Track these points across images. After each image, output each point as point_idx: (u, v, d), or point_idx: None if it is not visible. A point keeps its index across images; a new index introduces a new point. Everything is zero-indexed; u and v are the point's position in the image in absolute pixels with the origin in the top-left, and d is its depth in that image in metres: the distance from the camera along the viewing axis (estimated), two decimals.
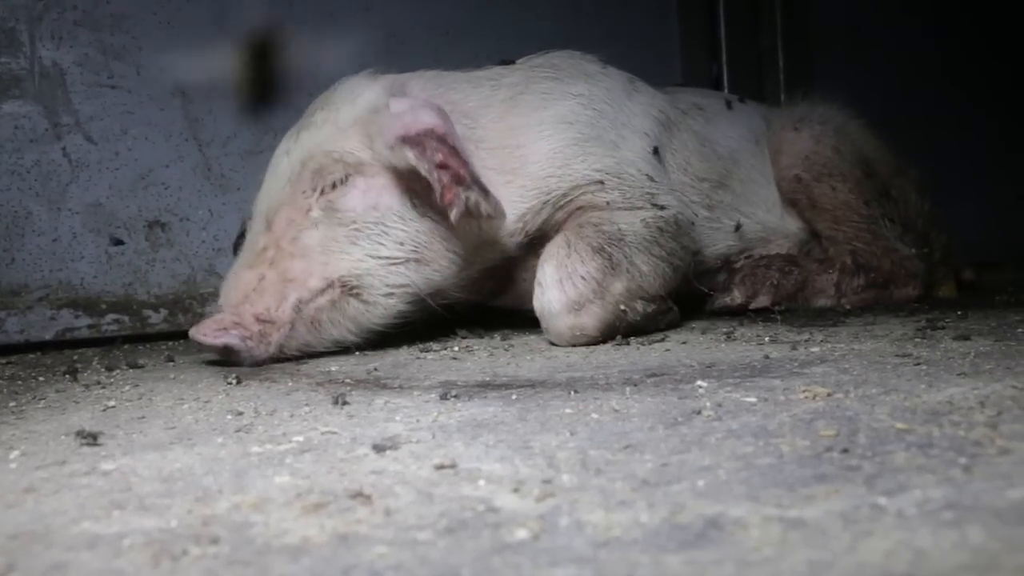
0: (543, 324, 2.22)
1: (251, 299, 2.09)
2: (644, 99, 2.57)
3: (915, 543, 0.79)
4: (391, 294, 2.16)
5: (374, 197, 2.15)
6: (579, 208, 2.31)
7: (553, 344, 2.22)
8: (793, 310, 2.79)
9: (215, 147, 3.03)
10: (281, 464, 1.19)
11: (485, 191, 2.07)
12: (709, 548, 0.82)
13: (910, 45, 4.31)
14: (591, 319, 2.17)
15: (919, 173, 3.12)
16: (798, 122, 3.02)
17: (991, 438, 1.11)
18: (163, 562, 0.85)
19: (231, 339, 2.04)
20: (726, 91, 3.82)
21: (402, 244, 2.14)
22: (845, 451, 1.09)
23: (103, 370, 2.20)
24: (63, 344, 2.78)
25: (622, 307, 2.20)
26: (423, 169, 2.03)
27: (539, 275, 2.22)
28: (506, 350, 2.19)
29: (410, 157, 2.04)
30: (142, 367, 2.23)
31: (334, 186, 2.15)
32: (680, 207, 2.45)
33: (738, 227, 2.78)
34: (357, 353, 2.32)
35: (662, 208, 2.37)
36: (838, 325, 2.36)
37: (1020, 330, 2.05)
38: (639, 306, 2.24)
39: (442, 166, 2.02)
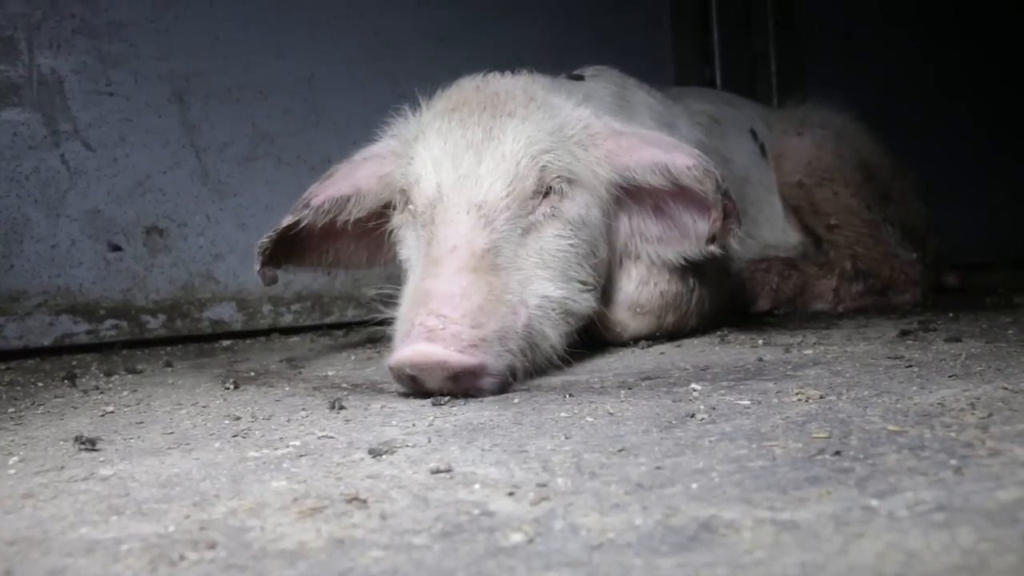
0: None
1: (486, 312, 1.70)
2: (686, 133, 2.59)
3: (906, 545, 0.80)
4: (578, 322, 1.97)
5: (586, 213, 2.00)
6: None
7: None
8: (788, 312, 2.80)
9: (212, 153, 3.04)
10: (278, 469, 1.19)
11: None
12: (702, 551, 0.82)
13: (901, 50, 4.33)
14: (636, 326, 2.21)
15: (915, 176, 3.14)
16: (800, 126, 3.03)
17: (982, 440, 1.12)
18: (160, 567, 0.86)
19: (487, 358, 1.66)
20: None
21: (594, 270, 2.01)
22: (837, 453, 1.10)
23: (102, 375, 2.21)
24: (62, 350, 2.79)
25: (663, 327, 2.26)
26: (716, 197, 1.96)
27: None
28: None
29: (711, 176, 1.96)
30: (140, 372, 2.24)
31: (559, 192, 1.95)
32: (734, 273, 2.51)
33: (745, 254, 2.84)
34: (353, 358, 2.33)
35: (729, 276, 2.43)
36: (831, 327, 2.37)
37: (1010, 332, 2.06)
38: (674, 327, 2.30)
39: (725, 195, 1.97)
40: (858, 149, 3.02)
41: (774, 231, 2.93)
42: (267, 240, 2.16)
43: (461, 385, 1.65)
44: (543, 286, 1.86)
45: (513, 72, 2.18)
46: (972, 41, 4.53)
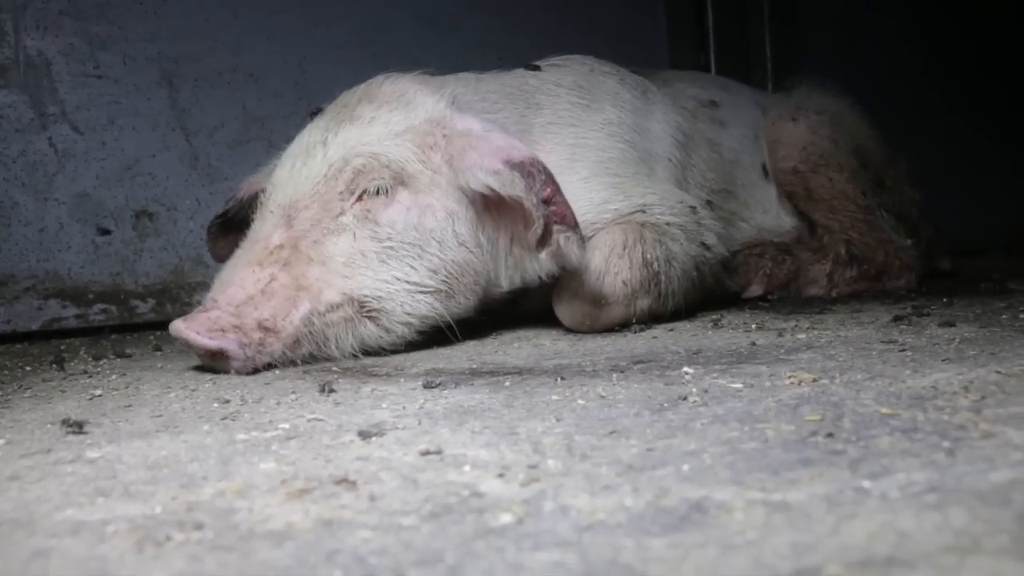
0: (556, 298, 2.20)
1: (256, 301, 1.86)
2: (663, 118, 2.56)
3: (898, 525, 0.79)
4: (409, 323, 1.98)
5: (416, 216, 1.99)
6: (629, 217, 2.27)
7: (560, 321, 2.22)
8: (782, 297, 2.80)
9: (202, 137, 3.02)
10: (267, 451, 1.18)
11: (582, 236, 1.97)
12: (693, 531, 0.82)
13: (897, 36, 4.32)
14: (607, 316, 2.18)
15: (909, 163, 3.14)
16: (795, 111, 3.01)
17: (975, 422, 1.11)
18: (147, 548, 0.85)
19: (228, 344, 1.80)
20: None
21: (435, 273, 1.99)
22: (830, 436, 1.10)
23: (90, 359, 2.20)
24: (50, 334, 2.77)
25: (637, 314, 2.22)
26: (529, 201, 1.91)
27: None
28: (493, 337, 2.19)
29: (518, 185, 1.91)
30: (129, 356, 2.23)
31: (377, 193, 1.98)
32: (718, 244, 2.46)
33: (740, 236, 2.81)
34: None
35: (708, 248, 2.38)
36: (824, 312, 2.37)
37: (1004, 317, 2.05)
38: (650, 312, 2.26)
39: (547, 201, 1.91)
40: (853, 135, 3.00)
41: (768, 215, 2.91)
42: (214, 221, 2.42)
43: (219, 362, 1.83)
44: (344, 283, 1.93)
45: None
46: (968, 29, 4.52)
